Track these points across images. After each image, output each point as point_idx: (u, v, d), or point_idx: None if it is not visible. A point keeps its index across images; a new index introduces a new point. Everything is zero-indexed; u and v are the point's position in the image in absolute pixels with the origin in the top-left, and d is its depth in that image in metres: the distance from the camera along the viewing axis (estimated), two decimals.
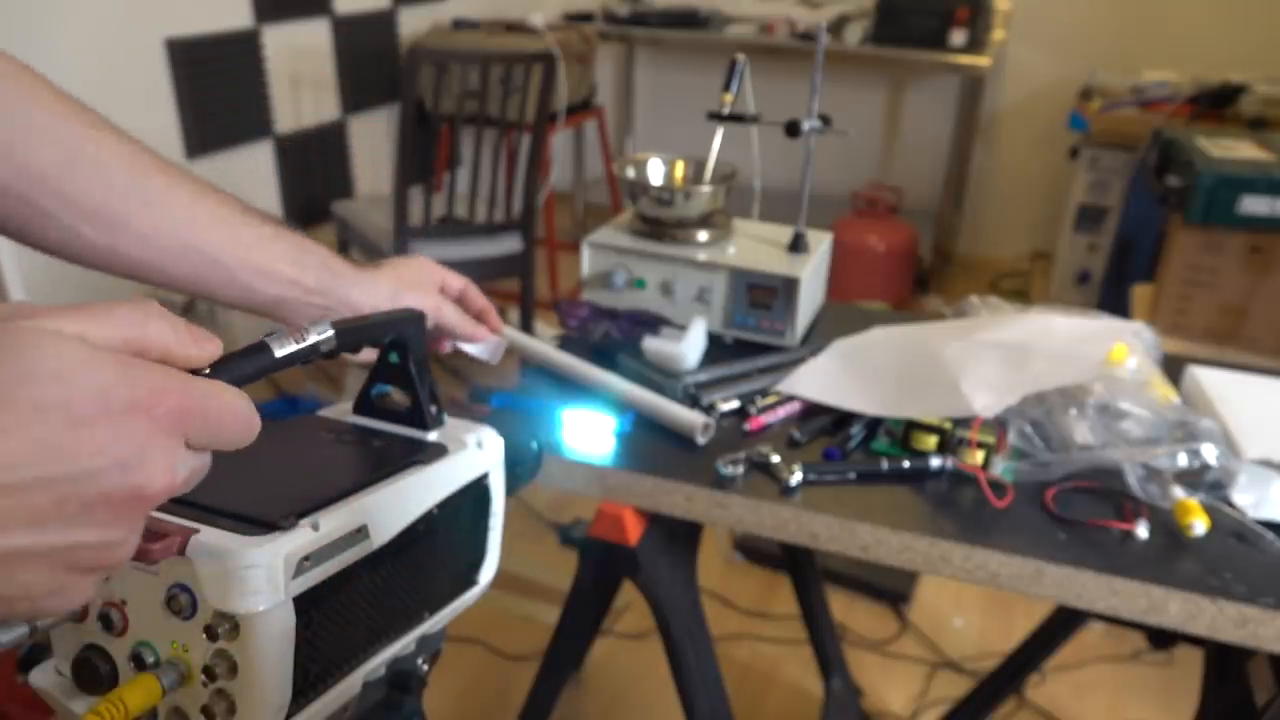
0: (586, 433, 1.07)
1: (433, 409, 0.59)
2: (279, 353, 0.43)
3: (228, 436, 0.36)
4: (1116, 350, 1.12)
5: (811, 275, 1.27)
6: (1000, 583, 0.91)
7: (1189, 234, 2.09)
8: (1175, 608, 0.86)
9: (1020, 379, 1.03)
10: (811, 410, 1.12)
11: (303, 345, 0.45)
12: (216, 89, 2.59)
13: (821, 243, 1.32)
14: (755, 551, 2.19)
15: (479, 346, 0.86)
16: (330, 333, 0.47)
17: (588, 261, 1.31)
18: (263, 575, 0.43)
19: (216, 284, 0.68)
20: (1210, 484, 0.96)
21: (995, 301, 1.28)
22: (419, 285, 0.80)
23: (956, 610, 2.08)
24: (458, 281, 0.85)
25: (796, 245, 1.29)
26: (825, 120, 1.25)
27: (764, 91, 1.38)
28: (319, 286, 0.72)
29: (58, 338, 0.31)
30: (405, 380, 0.58)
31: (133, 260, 0.64)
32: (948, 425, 1.02)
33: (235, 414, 0.36)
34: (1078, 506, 0.96)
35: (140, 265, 0.65)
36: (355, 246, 2.68)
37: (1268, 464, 0.98)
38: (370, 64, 3.19)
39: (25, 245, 0.61)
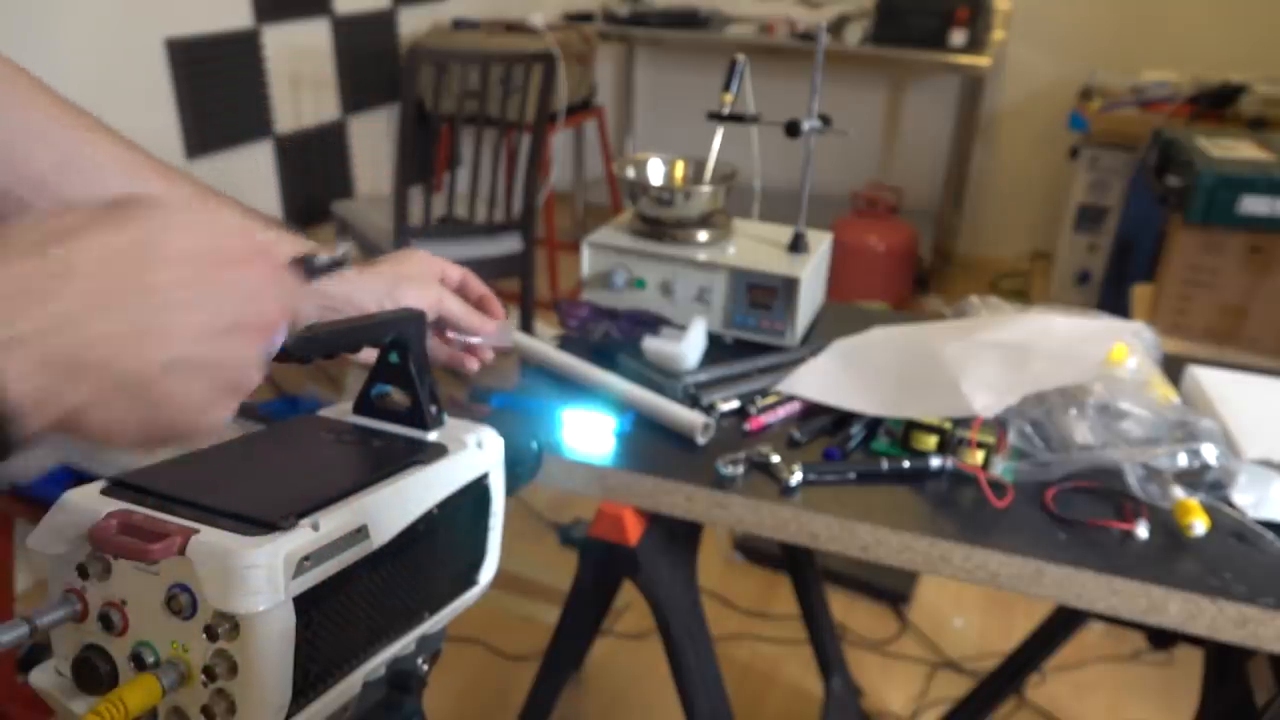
0: (586, 433, 1.07)
1: (433, 409, 0.58)
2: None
3: (290, 303, 0.46)
4: (1116, 350, 1.12)
5: (811, 275, 1.27)
6: (1000, 583, 0.91)
7: (1189, 234, 2.09)
8: (1175, 608, 0.86)
9: (1020, 379, 1.03)
10: (811, 410, 1.12)
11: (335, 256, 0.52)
12: (216, 89, 2.59)
13: (821, 243, 1.32)
14: (755, 551, 2.19)
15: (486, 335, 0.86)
16: (348, 246, 0.53)
17: (588, 261, 1.31)
18: (263, 575, 0.43)
19: None
20: (1210, 484, 0.96)
21: (995, 301, 1.28)
22: (419, 279, 0.79)
23: (956, 610, 2.08)
24: (456, 271, 0.84)
25: (796, 245, 1.29)
26: (825, 120, 1.25)
27: (764, 91, 1.38)
28: (319, 288, 0.71)
29: (179, 204, 0.41)
30: (405, 380, 0.58)
31: None
32: (948, 425, 1.02)
33: (293, 285, 0.47)
34: (1078, 506, 0.96)
35: None
36: (355, 247, 2.68)
37: (1268, 464, 0.98)
38: (370, 64, 3.19)
39: None
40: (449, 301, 0.81)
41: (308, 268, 0.50)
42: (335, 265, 0.52)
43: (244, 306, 0.42)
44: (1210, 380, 1.14)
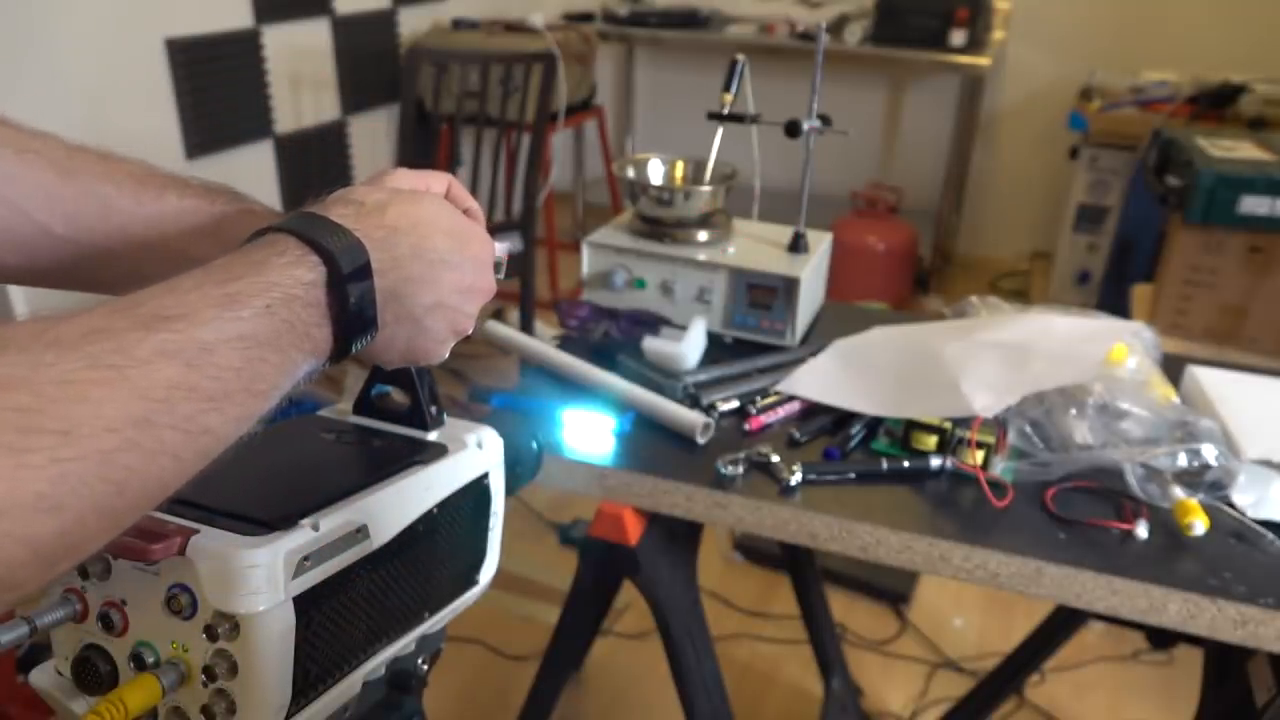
0: (586, 433, 1.07)
1: (433, 409, 0.59)
2: None
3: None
4: (1116, 350, 1.12)
5: (811, 275, 1.27)
6: (1000, 583, 0.91)
7: (1189, 234, 2.09)
8: (1175, 608, 0.86)
9: (1020, 379, 1.03)
10: (811, 410, 1.12)
11: None
12: (216, 89, 2.59)
13: (821, 243, 1.32)
14: (755, 551, 2.19)
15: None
16: (514, 239, 0.62)
17: (588, 261, 1.31)
18: (263, 575, 0.43)
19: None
20: (1210, 484, 0.96)
21: (995, 301, 1.28)
22: None
23: (956, 610, 2.08)
24: (439, 183, 0.83)
25: (796, 245, 1.29)
26: (825, 120, 1.25)
27: (764, 91, 1.38)
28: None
29: (439, 197, 0.56)
30: (405, 380, 0.59)
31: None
32: (948, 425, 1.02)
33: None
34: (1078, 506, 0.96)
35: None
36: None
37: (1267, 464, 0.98)
38: (370, 64, 3.19)
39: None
40: None
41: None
42: (515, 256, 0.61)
43: (477, 273, 0.54)
44: (1210, 380, 1.14)
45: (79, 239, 0.58)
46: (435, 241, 0.51)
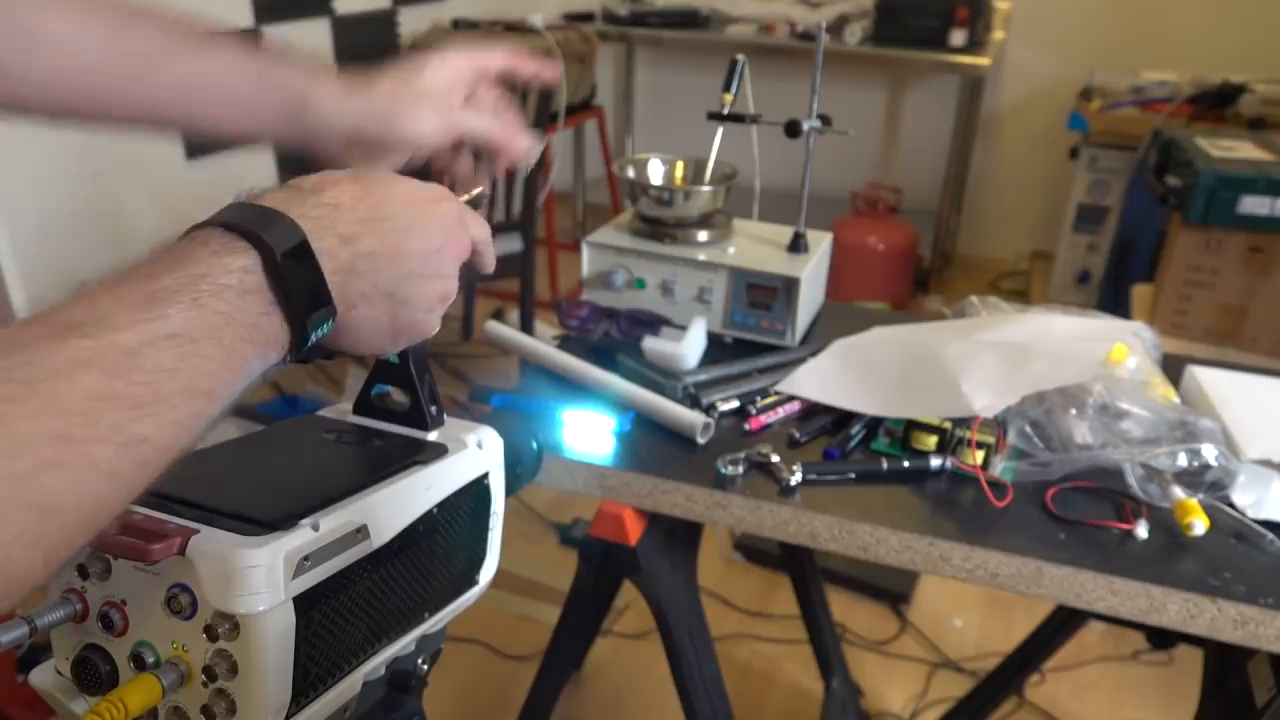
0: (586, 433, 1.07)
1: (433, 409, 0.59)
2: None
3: (478, 230, 0.56)
4: (1116, 350, 1.12)
5: (811, 275, 1.27)
6: (1000, 583, 0.91)
7: (1189, 234, 2.09)
8: (1175, 608, 0.86)
9: (1020, 379, 1.03)
10: (811, 410, 1.12)
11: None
12: None
13: (821, 243, 1.32)
14: (755, 551, 2.19)
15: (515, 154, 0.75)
16: (483, 189, 0.69)
17: (588, 261, 1.31)
18: (263, 575, 0.43)
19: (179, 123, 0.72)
20: (1210, 484, 0.96)
21: (995, 301, 1.28)
22: (432, 99, 0.70)
23: (956, 610, 2.08)
24: (494, 61, 0.73)
25: (796, 245, 1.29)
26: (825, 120, 1.25)
27: (764, 91, 1.38)
28: (290, 117, 0.70)
29: (391, 173, 0.53)
30: (405, 380, 0.58)
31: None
32: (948, 425, 1.02)
33: (477, 215, 0.57)
34: (1078, 506, 0.96)
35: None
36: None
37: (1268, 464, 0.98)
38: (370, 64, 3.19)
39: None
40: (470, 120, 0.71)
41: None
42: (476, 203, 0.63)
43: (447, 233, 0.53)
44: (1210, 380, 1.14)
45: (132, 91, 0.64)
46: (390, 209, 0.49)
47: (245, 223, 0.43)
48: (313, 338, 0.45)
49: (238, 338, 0.41)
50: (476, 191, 0.66)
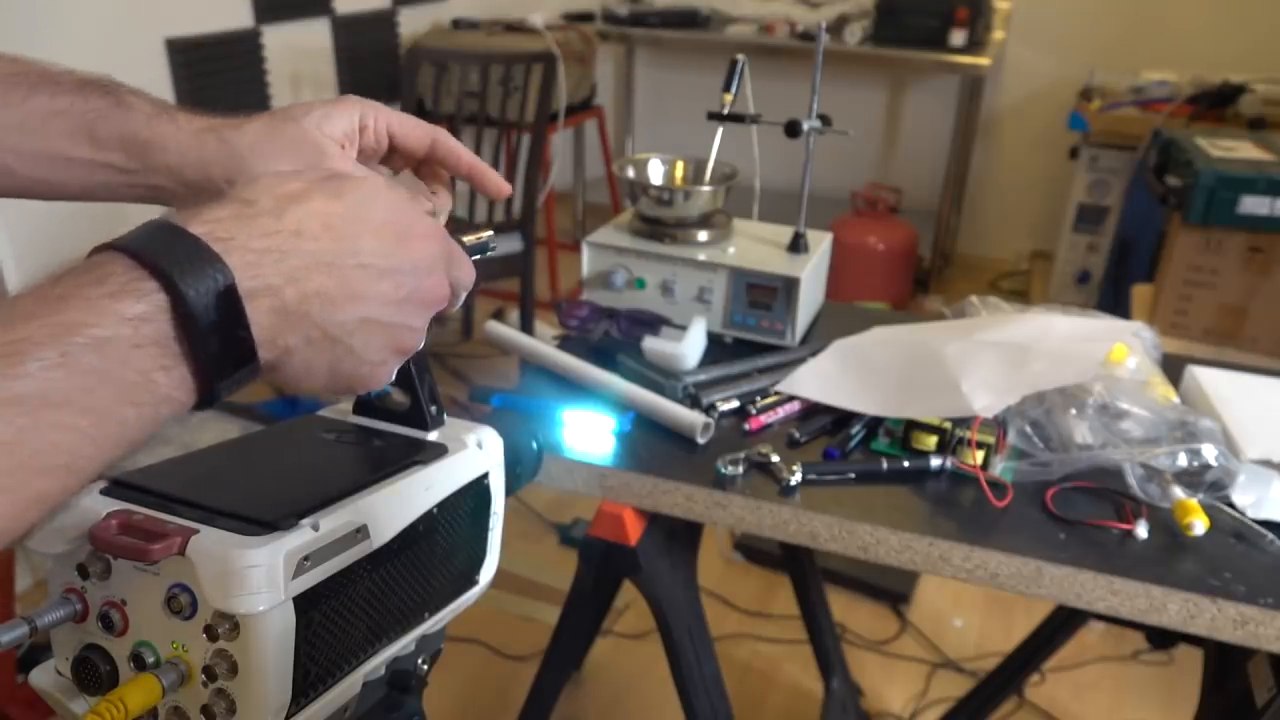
0: (586, 433, 1.07)
1: (433, 409, 0.58)
2: None
3: (464, 276, 0.50)
4: (1116, 350, 1.12)
5: (811, 275, 1.27)
6: (1000, 583, 0.91)
7: (1189, 234, 2.09)
8: (1175, 608, 0.86)
9: (1020, 379, 1.03)
10: (811, 410, 1.12)
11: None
12: (216, 89, 2.59)
13: (821, 243, 1.32)
14: (755, 551, 2.19)
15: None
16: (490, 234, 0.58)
17: (588, 261, 1.31)
18: (263, 575, 0.43)
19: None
20: (1210, 484, 0.96)
21: (995, 301, 1.28)
22: (295, 149, 0.59)
23: (956, 610, 2.08)
24: (388, 119, 0.64)
25: (796, 245, 1.29)
26: (825, 120, 1.25)
27: (764, 91, 1.38)
28: (128, 164, 0.59)
29: (379, 182, 0.45)
30: (405, 380, 0.58)
31: None
32: (948, 425, 1.02)
33: (466, 259, 0.50)
34: (1078, 506, 0.96)
35: None
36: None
37: (1267, 464, 0.98)
38: (370, 64, 3.19)
39: None
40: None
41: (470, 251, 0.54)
42: (483, 250, 0.57)
43: (419, 280, 0.45)
44: (1210, 380, 1.14)
45: None
46: (359, 244, 0.42)
47: (159, 255, 0.36)
48: (224, 393, 0.39)
49: (116, 399, 0.35)
50: (486, 235, 0.57)
